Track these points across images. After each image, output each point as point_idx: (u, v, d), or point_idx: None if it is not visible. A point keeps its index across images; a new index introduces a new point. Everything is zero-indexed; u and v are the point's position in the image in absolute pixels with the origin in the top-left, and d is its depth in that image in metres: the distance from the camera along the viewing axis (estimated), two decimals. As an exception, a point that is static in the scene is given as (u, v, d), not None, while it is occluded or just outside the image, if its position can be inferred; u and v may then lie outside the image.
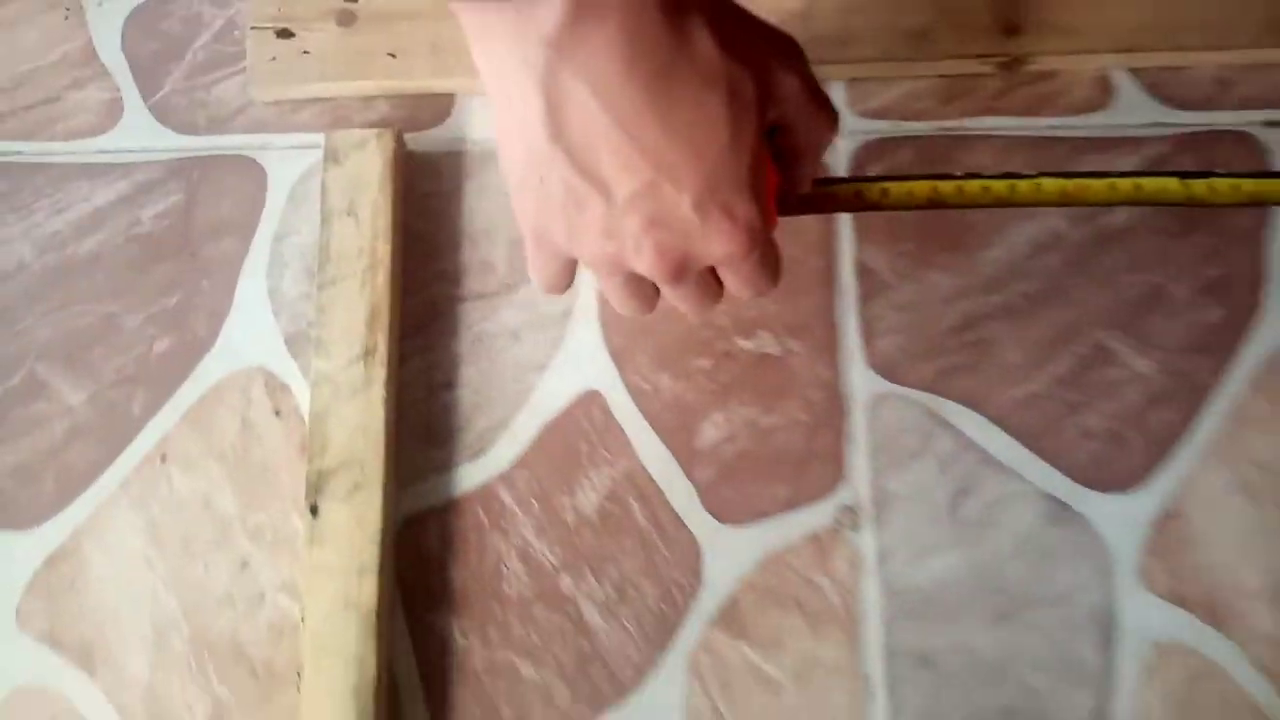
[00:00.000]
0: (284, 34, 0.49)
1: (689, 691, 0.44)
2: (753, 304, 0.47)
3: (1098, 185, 0.36)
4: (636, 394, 0.47)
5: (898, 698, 0.44)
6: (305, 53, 0.49)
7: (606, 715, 0.44)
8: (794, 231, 0.47)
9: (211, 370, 0.47)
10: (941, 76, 0.51)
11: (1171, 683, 0.44)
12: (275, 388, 0.47)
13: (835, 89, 0.50)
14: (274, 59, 0.49)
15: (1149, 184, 0.36)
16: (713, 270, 0.32)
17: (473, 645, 0.44)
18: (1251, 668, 0.44)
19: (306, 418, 0.44)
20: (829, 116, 0.32)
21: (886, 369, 0.47)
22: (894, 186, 0.36)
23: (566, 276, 0.33)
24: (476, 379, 0.47)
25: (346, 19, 0.49)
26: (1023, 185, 0.36)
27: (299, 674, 0.42)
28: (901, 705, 0.43)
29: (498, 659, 0.44)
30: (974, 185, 0.36)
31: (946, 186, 0.36)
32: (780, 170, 0.33)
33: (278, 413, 0.46)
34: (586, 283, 0.48)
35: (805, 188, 0.35)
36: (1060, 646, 0.45)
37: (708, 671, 0.44)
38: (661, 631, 0.44)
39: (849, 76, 0.50)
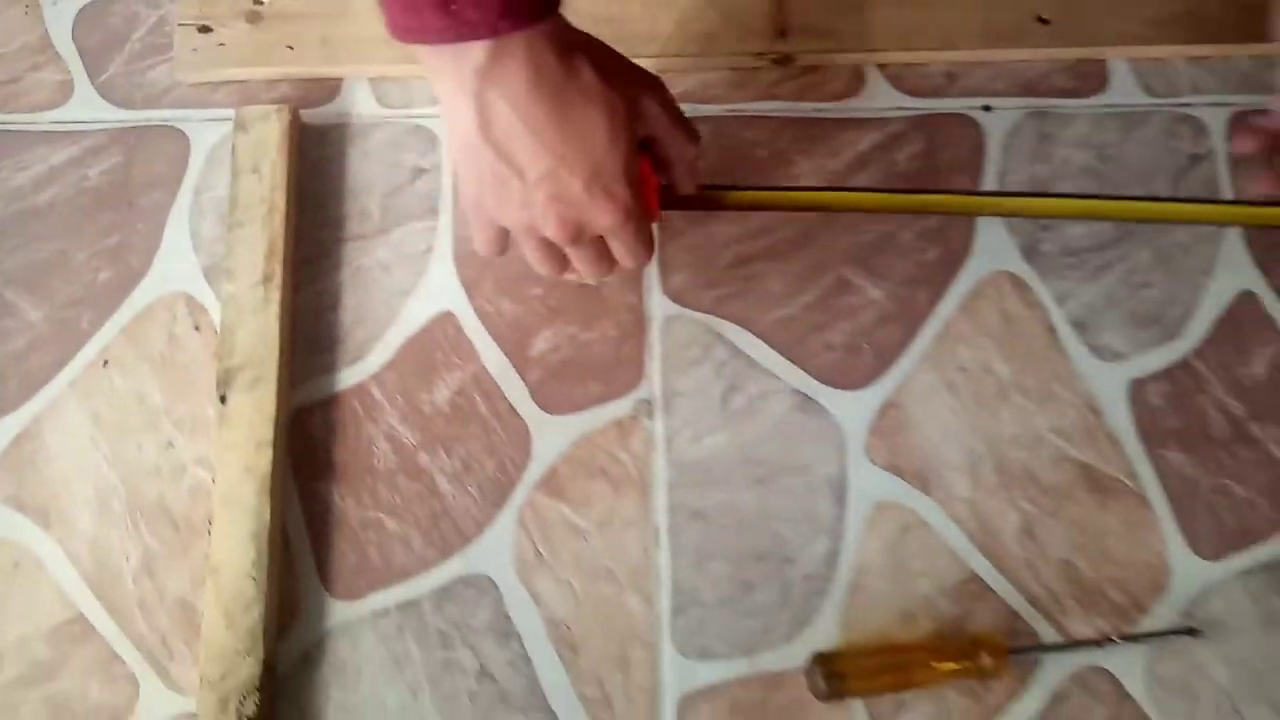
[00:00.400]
0: (204, 29, 0.61)
1: (517, 539, 0.57)
2: None
3: (890, 199, 0.51)
4: (482, 314, 0.60)
5: (677, 542, 0.57)
6: (221, 45, 0.62)
7: (452, 558, 0.57)
8: None
9: (144, 295, 0.59)
10: (730, 69, 0.65)
11: (887, 532, 0.57)
12: (195, 308, 0.59)
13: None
14: (195, 50, 0.61)
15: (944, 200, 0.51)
16: (603, 241, 0.46)
17: (348, 506, 0.57)
18: (950, 521, 0.58)
19: (218, 330, 0.57)
20: (687, 133, 0.47)
21: (677, 296, 0.61)
22: (752, 196, 0.51)
23: (500, 241, 0.47)
24: (355, 302, 0.59)
25: (254, 18, 0.62)
26: (846, 196, 0.51)
27: (209, 525, 0.54)
28: (680, 547, 0.57)
29: (368, 516, 0.57)
30: (808, 195, 0.51)
31: (795, 196, 0.51)
32: (661, 175, 0.48)
33: (197, 327, 0.59)
34: (444, 227, 0.61)
35: (685, 190, 0.49)
36: (803, 504, 0.57)
37: (531, 524, 0.57)
38: (497, 494, 0.57)
39: (655, 68, 0.64)
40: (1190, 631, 0.55)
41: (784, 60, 0.63)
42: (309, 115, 0.61)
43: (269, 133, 0.57)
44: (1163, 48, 0.65)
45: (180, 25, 0.61)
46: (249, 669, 0.51)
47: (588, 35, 0.43)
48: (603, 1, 0.61)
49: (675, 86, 0.60)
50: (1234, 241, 0.61)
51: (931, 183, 0.62)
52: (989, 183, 0.62)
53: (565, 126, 0.40)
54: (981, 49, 0.63)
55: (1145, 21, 0.64)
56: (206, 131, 0.62)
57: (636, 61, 0.50)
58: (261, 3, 0.62)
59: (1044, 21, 0.64)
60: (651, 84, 0.45)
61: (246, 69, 0.61)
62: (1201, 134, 0.64)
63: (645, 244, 0.46)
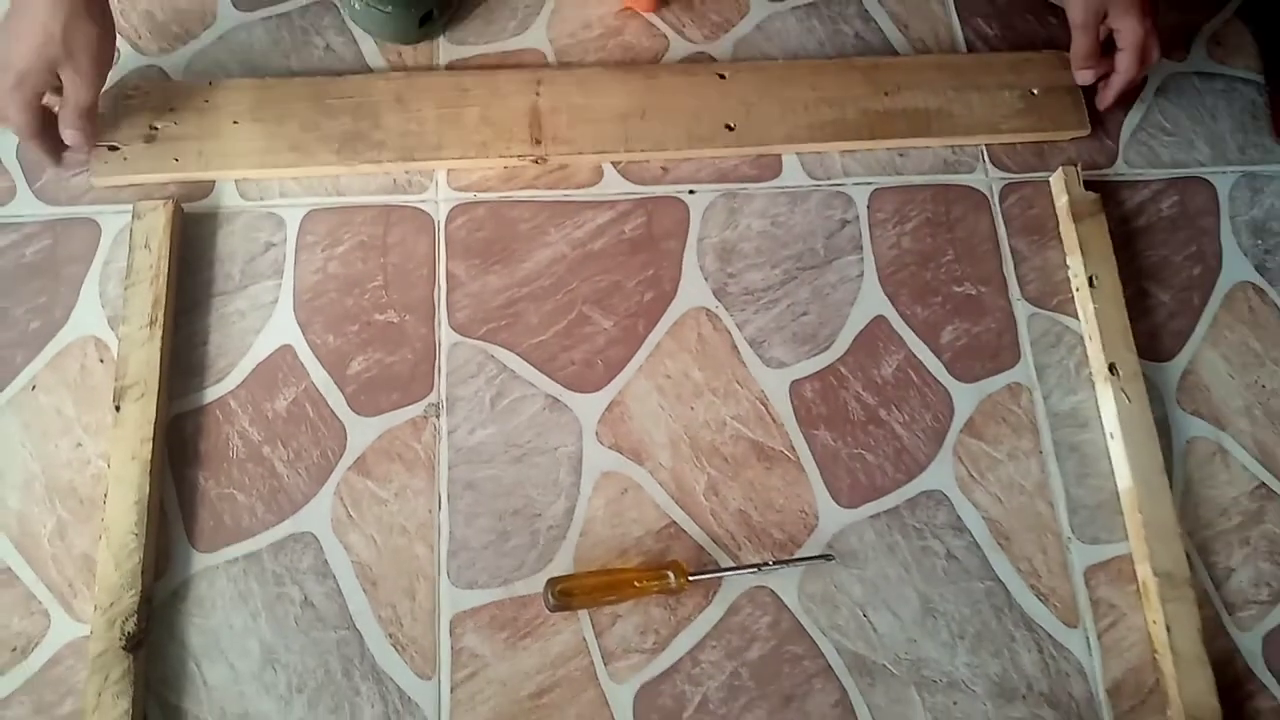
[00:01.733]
0: (113, 148, 0.84)
1: (334, 506, 0.77)
2: (383, 293, 0.82)
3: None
4: (312, 346, 0.81)
5: (454, 505, 0.77)
6: (125, 159, 0.84)
7: (285, 521, 0.76)
8: (405, 249, 0.83)
9: (65, 337, 0.79)
10: (510, 170, 0.88)
11: (610, 493, 0.78)
12: (101, 346, 0.80)
13: (440, 174, 0.86)
14: (106, 163, 0.83)
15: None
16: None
17: (209, 485, 0.77)
18: (656, 484, 0.78)
19: (116, 360, 0.79)
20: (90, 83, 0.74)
21: (460, 328, 0.82)
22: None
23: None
24: (219, 339, 0.81)
25: (150, 138, 0.84)
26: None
27: (104, 498, 0.75)
28: (456, 509, 0.77)
29: (224, 492, 0.77)
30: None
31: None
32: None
33: (101, 360, 0.80)
34: (286, 284, 0.82)
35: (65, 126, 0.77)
36: (549, 475, 0.78)
37: (345, 495, 0.77)
38: (320, 475, 0.77)
39: (447, 167, 0.88)
40: (826, 557, 0.76)
41: (540, 159, 0.83)
42: (190, 207, 0.83)
43: (157, 219, 0.80)
44: (819, 145, 0.88)
45: (95, 146, 0.80)
46: (130, 600, 0.71)
47: None
48: (402, 120, 0.83)
49: (463, 179, 0.83)
50: (870, 280, 0.85)
51: (650, 245, 0.85)
52: (691, 242, 0.85)
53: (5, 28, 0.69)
54: (687, 149, 0.85)
55: (806, 127, 0.88)
56: (113, 220, 0.83)
57: (429, 164, 0.81)
58: (156, 128, 0.84)
59: (730, 128, 0.87)
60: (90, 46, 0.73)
61: (144, 175, 0.82)
62: (850, 205, 0.88)
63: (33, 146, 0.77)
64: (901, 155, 0.88)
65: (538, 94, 0.85)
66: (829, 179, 0.87)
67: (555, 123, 0.84)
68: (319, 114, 0.83)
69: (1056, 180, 0.85)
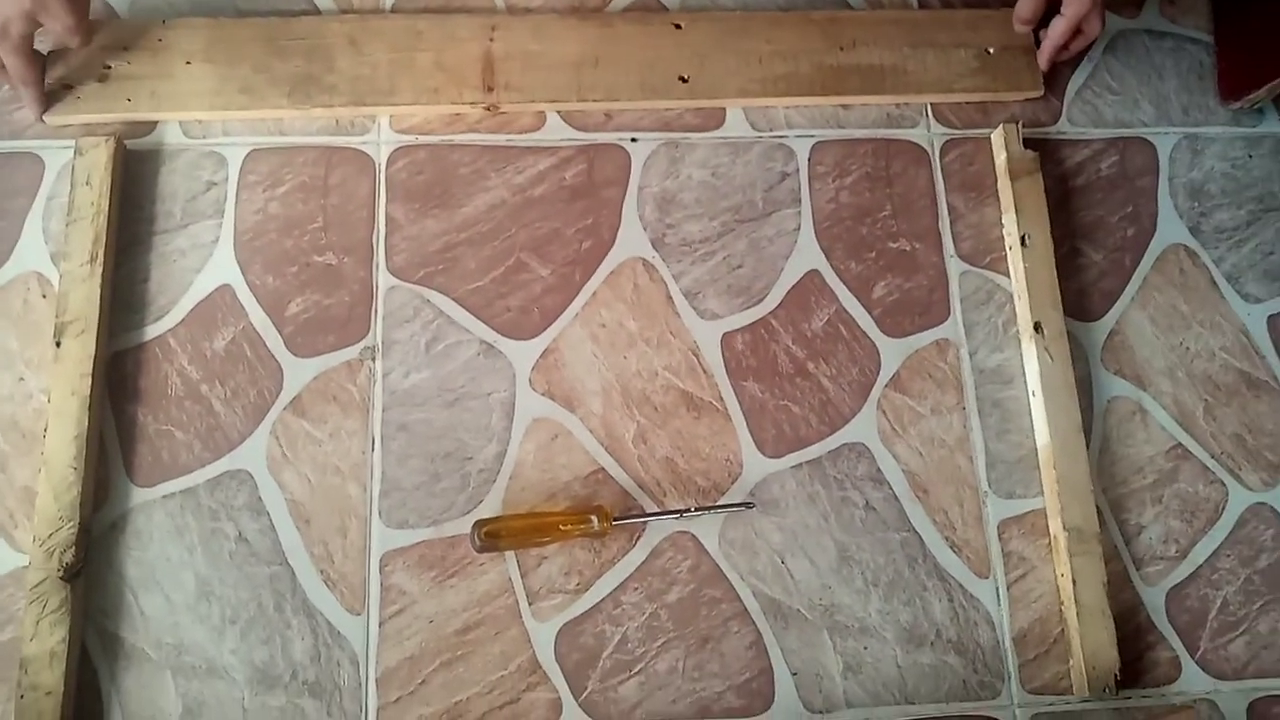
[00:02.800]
0: (66, 87, 0.83)
1: (269, 445, 0.79)
2: (322, 235, 0.83)
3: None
4: (252, 287, 0.82)
5: (387, 447, 0.79)
6: (78, 98, 0.83)
7: (222, 459, 0.78)
8: (345, 191, 0.84)
9: (7, 273, 0.80)
10: (453, 113, 0.88)
11: (541, 438, 0.80)
12: (43, 281, 0.81)
13: (384, 117, 0.86)
14: (60, 102, 0.83)
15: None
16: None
17: (149, 421, 0.79)
18: (586, 431, 0.80)
19: (58, 296, 0.80)
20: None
21: (398, 272, 0.83)
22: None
23: None
24: (159, 277, 0.82)
25: (104, 78, 0.83)
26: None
27: (45, 432, 0.77)
28: (389, 451, 0.79)
29: (162, 429, 0.79)
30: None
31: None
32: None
33: (44, 295, 0.81)
34: (227, 224, 0.83)
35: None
36: (481, 420, 0.80)
37: (281, 434, 0.79)
38: (257, 414, 0.79)
39: (391, 112, 0.87)
40: (747, 505, 0.78)
41: (490, 107, 0.84)
42: (133, 144, 0.83)
43: (98, 155, 0.80)
44: (772, 99, 0.88)
45: (49, 86, 0.80)
46: (69, 531, 0.73)
47: None
48: (356, 64, 0.84)
49: (405, 122, 0.83)
50: (807, 233, 0.86)
51: (591, 193, 0.86)
52: (632, 191, 0.86)
53: None
54: (640, 100, 0.85)
55: (760, 80, 0.87)
56: (57, 155, 0.84)
57: (380, 110, 0.82)
58: (109, 66, 0.84)
59: (684, 80, 0.86)
60: None
61: (96, 115, 0.81)
62: (791, 157, 0.88)
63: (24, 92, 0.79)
64: (845, 109, 0.88)
65: (491, 40, 0.85)
66: (772, 130, 0.87)
67: (508, 69, 0.84)
68: (271, 55, 0.83)
69: (997, 137, 0.86)
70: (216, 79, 0.82)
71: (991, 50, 0.88)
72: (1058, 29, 0.82)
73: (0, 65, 0.75)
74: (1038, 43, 0.87)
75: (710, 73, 0.86)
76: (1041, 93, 0.88)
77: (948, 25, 0.88)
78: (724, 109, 0.88)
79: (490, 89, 0.83)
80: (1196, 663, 0.77)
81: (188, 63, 0.82)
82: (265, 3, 0.87)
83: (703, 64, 0.86)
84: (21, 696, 0.67)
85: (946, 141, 0.87)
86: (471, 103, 0.83)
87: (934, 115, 0.88)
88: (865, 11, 0.90)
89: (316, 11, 0.87)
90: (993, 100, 0.89)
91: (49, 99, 0.80)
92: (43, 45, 0.80)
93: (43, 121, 0.80)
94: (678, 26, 0.86)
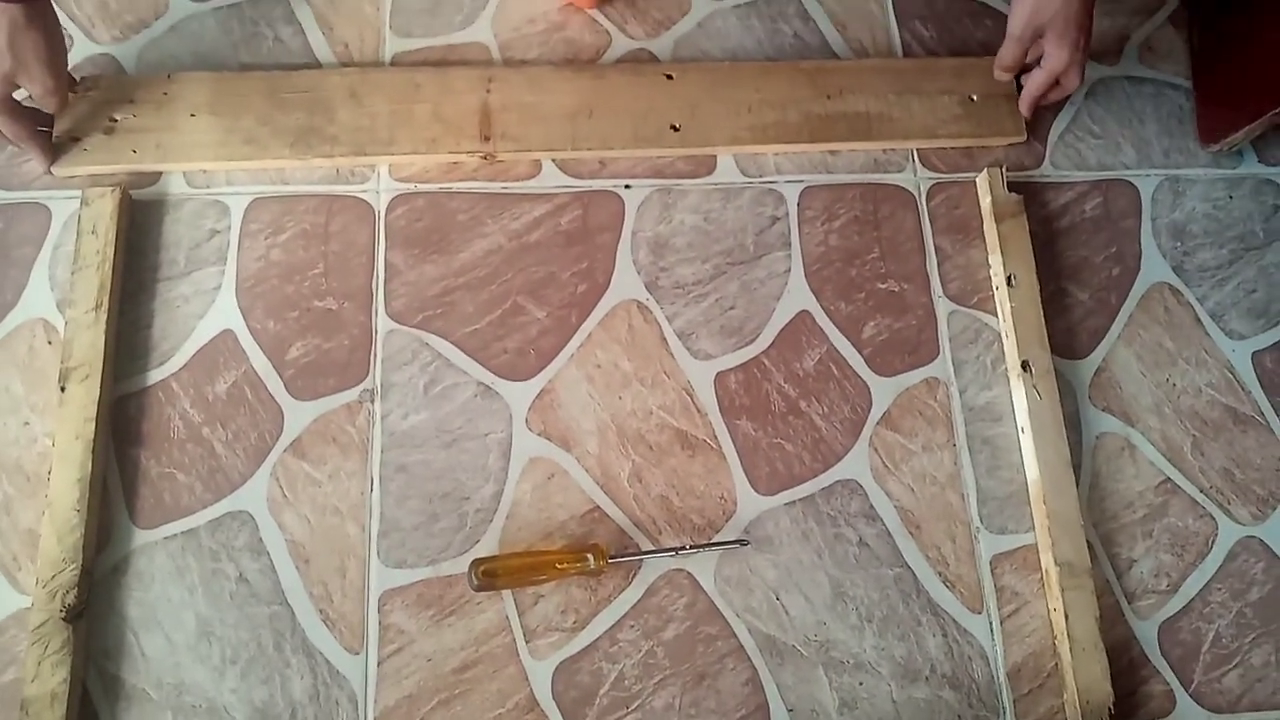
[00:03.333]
0: (73, 138, 0.86)
1: (270, 486, 0.80)
2: (323, 281, 0.85)
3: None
4: (253, 331, 0.84)
5: (386, 488, 0.80)
6: (85, 150, 0.85)
7: (223, 500, 0.80)
8: (346, 238, 0.86)
9: (14, 319, 0.82)
10: (451, 162, 0.90)
11: (537, 478, 0.81)
12: (49, 328, 0.83)
13: (383, 166, 0.89)
14: (67, 154, 0.85)
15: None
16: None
17: (151, 464, 0.81)
18: (582, 470, 0.82)
19: (64, 342, 0.82)
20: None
21: (396, 316, 0.85)
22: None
23: None
24: (163, 323, 0.84)
25: (110, 130, 0.86)
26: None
27: (49, 474, 0.79)
28: (388, 491, 0.80)
29: (164, 471, 0.81)
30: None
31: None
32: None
33: (49, 341, 0.83)
34: (230, 271, 0.85)
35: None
36: (478, 460, 0.81)
37: (281, 476, 0.81)
38: (258, 456, 0.81)
39: (390, 161, 0.90)
40: (741, 542, 0.80)
41: (488, 156, 0.86)
42: (138, 194, 0.86)
43: (104, 205, 0.83)
44: (761, 146, 0.90)
45: (56, 138, 0.82)
46: (72, 573, 0.74)
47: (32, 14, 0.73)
48: (356, 115, 0.86)
49: (404, 170, 0.86)
50: (797, 275, 0.88)
51: (585, 238, 0.88)
52: (626, 236, 0.88)
53: None
54: (632, 148, 0.87)
55: (749, 129, 0.90)
56: (64, 205, 0.86)
57: (379, 159, 0.84)
58: (115, 119, 0.86)
59: (675, 129, 0.89)
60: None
61: (102, 166, 0.83)
62: (781, 202, 0.91)
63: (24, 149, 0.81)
64: (833, 154, 0.90)
65: (488, 91, 0.87)
66: (761, 176, 0.90)
67: (505, 120, 0.87)
68: (274, 108, 0.85)
69: (982, 181, 0.88)
70: (221, 130, 0.84)
71: (975, 97, 0.91)
72: (1036, 80, 0.85)
73: None
74: (1019, 89, 0.88)
75: (701, 121, 0.88)
76: (1024, 138, 0.90)
77: (932, 73, 0.91)
78: (715, 156, 0.90)
79: (487, 138, 0.86)
80: (1191, 696, 0.78)
81: (192, 115, 0.84)
82: (268, 56, 0.89)
83: (693, 113, 0.88)
84: (22, 737, 0.68)
85: (932, 185, 0.90)
86: (469, 151, 0.85)
87: (920, 160, 0.90)
88: (851, 61, 0.93)
89: (318, 65, 0.89)
90: (977, 145, 0.92)
91: (56, 151, 0.83)
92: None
93: (50, 174, 0.81)
94: (669, 77, 0.89)
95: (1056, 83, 0.85)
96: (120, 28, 0.91)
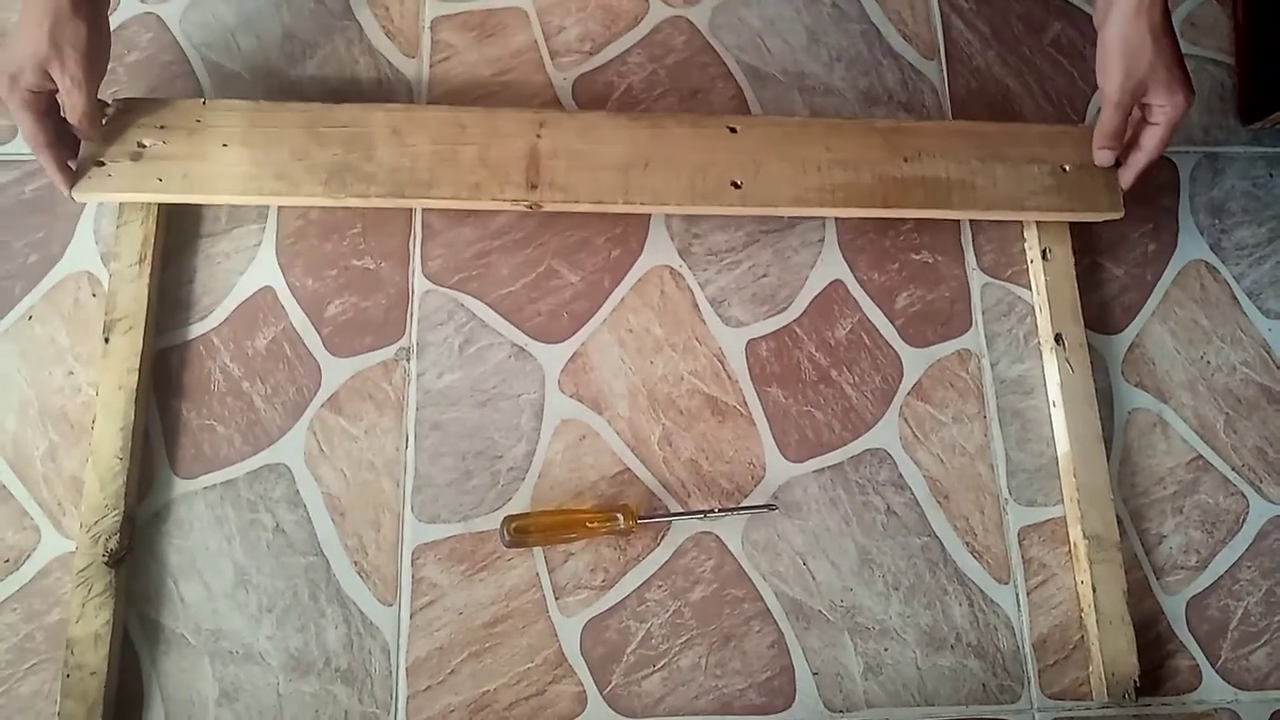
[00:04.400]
0: (98, 163, 0.78)
1: (307, 440, 0.82)
2: (361, 239, 0.86)
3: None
4: (292, 288, 0.86)
5: (420, 444, 0.82)
6: (109, 175, 0.81)
7: (261, 452, 0.82)
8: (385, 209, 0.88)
9: (60, 272, 0.84)
10: (493, 210, 0.88)
11: (569, 439, 0.83)
12: (94, 280, 0.85)
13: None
14: (90, 177, 0.78)
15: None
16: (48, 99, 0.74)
17: (191, 415, 0.83)
18: (614, 433, 0.83)
19: (108, 294, 0.84)
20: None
21: (433, 277, 0.86)
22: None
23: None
24: (205, 278, 0.86)
25: (137, 156, 0.83)
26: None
27: (93, 423, 0.81)
28: (422, 448, 0.82)
29: (205, 423, 0.83)
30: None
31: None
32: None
33: (94, 294, 0.85)
34: (270, 229, 0.87)
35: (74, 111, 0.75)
36: (511, 420, 0.83)
37: (318, 430, 0.83)
38: (296, 410, 0.83)
39: (437, 207, 0.87)
40: (770, 507, 0.81)
41: (534, 206, 0.80)
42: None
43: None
44: (830, 210, 0.83)
45: (82, 159, 0.78)
46: (114, 519, 0.76)
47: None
48: (396, 154, 0.80)
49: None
50: (831, 244, 0.89)
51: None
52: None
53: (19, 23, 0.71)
54: (689, 205, 0.81)
55: (817, 190, 0.82)
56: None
57: (414, 203, 0.81)
58: (144, 145, 0.79)
59: (737, 185, 0.81)
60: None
61: (125, 194, 0.80)
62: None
63: (41, 158, 0.76)
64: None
65: (539, 136, 0.81)
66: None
67: (553, 168, 0.80)
68: (311, 142, 0.80)
69: (1019, 154, 0.87)
70: (251, 164, 0.79)
71: (1067, 167, 0.84)
72: (1155, 139, 0.78)
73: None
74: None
75: (765, 180, 0.82)
76: (1121, 214, 0.82)
77: (1021, 140, 0.84)
78: (750, 113, 0.89)
79: (534, 186, 0.80)
80: (1217, 672, 0.78)
81: (224, 145, 0.80)
82: (309, 18, 0.91)
83: (757, 170, 0.82)
84: (68, 675, 0.70)
85: (969, 157, 0.89)
86: (514, 200, 0.80)
87: (957, 131, 0.90)
88: (932, 122, 0.87)
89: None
90: (1069, 220, 0.86)
91: (79, 172, 0.79)
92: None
93: (71, 199, 0.78)
94: (733, 130, 0.83)
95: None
96: (165, -14, 0.91)
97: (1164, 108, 0.75)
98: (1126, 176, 0.80)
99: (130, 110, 0.79)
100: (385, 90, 0.89)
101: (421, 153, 0.80)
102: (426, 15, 0.93)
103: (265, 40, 0.91)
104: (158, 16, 0.91)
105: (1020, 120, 0.92)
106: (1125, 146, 0.80)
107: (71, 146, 0.77)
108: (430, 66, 0.91)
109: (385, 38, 0.91)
